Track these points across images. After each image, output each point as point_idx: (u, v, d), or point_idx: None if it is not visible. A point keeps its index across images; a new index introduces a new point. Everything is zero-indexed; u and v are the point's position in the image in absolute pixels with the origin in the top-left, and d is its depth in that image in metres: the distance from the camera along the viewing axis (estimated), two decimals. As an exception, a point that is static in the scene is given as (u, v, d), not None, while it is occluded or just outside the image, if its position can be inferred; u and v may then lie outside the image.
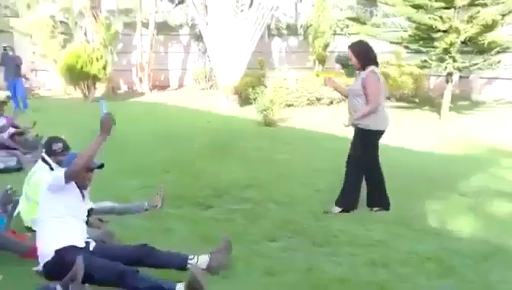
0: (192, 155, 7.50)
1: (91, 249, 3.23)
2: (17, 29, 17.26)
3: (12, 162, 6.62)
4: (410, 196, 5.43)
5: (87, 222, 3.48)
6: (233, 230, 4.09)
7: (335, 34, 17.25)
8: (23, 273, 3.24)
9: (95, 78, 15.32)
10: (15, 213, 4.07)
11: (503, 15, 11.63)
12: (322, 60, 16.92)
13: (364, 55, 4.77)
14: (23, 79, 13.63)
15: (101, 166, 3.40)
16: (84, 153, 3.12)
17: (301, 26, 18.58)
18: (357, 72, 4.90)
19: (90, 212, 3.59)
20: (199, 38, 17.29)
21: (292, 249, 3.96)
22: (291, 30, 19.12)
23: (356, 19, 15.49)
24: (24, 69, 14.41)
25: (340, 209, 4.92)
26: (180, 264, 3.26)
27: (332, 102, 13.97)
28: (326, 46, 16.71)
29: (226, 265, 3.40)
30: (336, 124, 9.79)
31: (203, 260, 3.29)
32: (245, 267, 3.53)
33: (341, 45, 17.11)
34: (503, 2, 11.73)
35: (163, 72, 19.46)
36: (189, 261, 3.26)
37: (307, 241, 4.14)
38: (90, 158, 3.13)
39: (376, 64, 4.81)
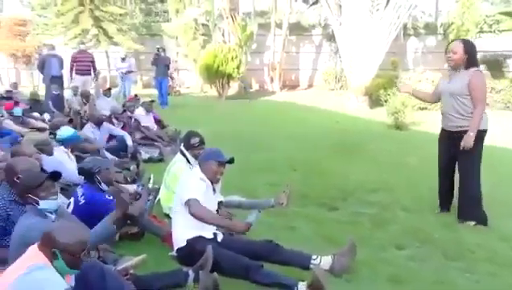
0: (319, 154, 7.47)
1: (219, 240, 3.40)
2: (165, 32, 18.97)
3: (155, 153, 7.27)
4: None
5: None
6: (358, 234, 3.97)
7: (481, 32, 15.80)
8: (163, 255, 3.54)
9: (229, 77, 16.13)
10: (156, 200, 4.46)
11: None
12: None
13: (473, 55, 4.40)
14: (169, 78, 14.93)
15: (231, 160, 3.54)
16: (210, 216, 3.30)
17: (441, 25, 17.40)
18: (455, 70, 4.43)
19: (219, 205, 3.76)
20: (331, 38, 17.18)
21: (421, 259, 3.74)
22: (430, 29, 18.01)
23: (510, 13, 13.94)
24: (171, 69, 15.75)
25: (474, 222, 4.49)
26: (303, 263, 3.27)
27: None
28: (470, 45, 15.39)
29: (350, 268, 3.33)
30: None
31: (326, 261, 3.26)
32: (369, 273, 3.41)
33: (487, 44, 15.65)
34: None
35: (294, 71, 19.73)
36: (312, 261, 3.26)
37: (437, 252, 3.86)
38: (209, 220, 3.30)
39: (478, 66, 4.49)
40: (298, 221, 4.50)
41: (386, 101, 11.34)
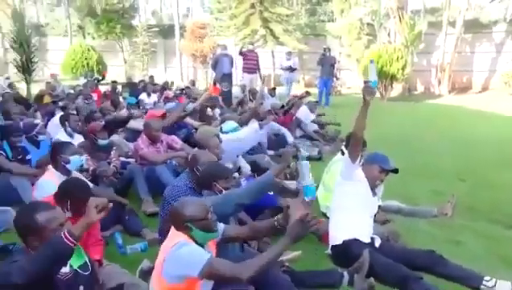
0: (489, 166, 6.71)
1: (376, 245, 3.27)
2: (329, 32, 19.07)
3: (314, 152, 7.34)
4: None
5: (374, 218, 3.54)
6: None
7: None
8: (318, 254, 3.58)
9: (393, 78, 15.51)
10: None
11: None
12: None
13: None
14: (334, 78, 14.97)
15: (396, 170, 3.38)
16: (354, 124, 3.19)
17: None
18: None
19: (378, 208, 3.63)
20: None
21: None
22: None
23: None
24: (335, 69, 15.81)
25: None
26: (472, 282, 2.94)
27: None
28: None
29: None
30: None
31: (503, 286, 2.88)
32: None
33: None
34: None
35: (466, 73, 18.07)
36: (485, 282, 2.91)
37: None
38: (360, 128, 3.17)
39: None
40: (465, 235, 4.12)
41: None
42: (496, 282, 2.89)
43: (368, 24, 18.06)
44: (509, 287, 2.88)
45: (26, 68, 12.66)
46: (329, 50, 14.55)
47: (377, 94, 15.90)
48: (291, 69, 14.41)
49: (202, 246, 2.48)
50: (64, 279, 2.24)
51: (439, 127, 10.28)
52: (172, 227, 2.53)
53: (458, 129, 10.11)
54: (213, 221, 2.51)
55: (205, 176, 3.33)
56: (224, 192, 3.15)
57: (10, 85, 12.14)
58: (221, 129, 5.65)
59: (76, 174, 3.75)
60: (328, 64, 13.99)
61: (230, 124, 5.74)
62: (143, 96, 10.76)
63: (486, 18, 17.75)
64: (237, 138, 5.34)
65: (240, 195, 2.96)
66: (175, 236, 2.47)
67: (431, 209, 4.08)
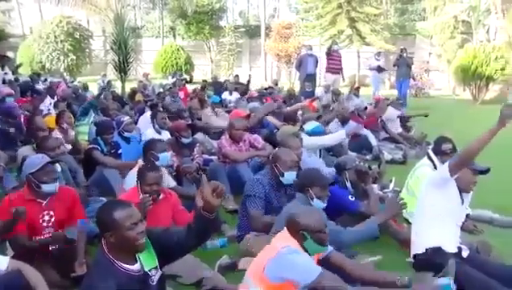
0: None
1: (464, 256, 3.07)
2: (419, 31, 18.25)
3: (398, 155, 7.07)
4: None
5: (461, 228, 3.33)
6: None
7: None
8: (399, 260, 3.46)
9: (489, 79, 14.45)
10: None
11: None
12: None
13: None
14: (411, 79, 14.26)
15: (487, 170, 3.16)
16: (475, 142, 2.89)
17: None
18: None
19: (466, 217, 3.42)
20: None
21: None
22: None
23: None
24: (414, 70, 15.07)
25: None
26: None
27: None
28: None
29: None
30: None
31: None
32: None
33: None
34: None
35: None
36: None
37: None
38: (479, 149, 2.88)
39: None
40: None
41: None
42: None
43: (463, 22, 17.02)
44: None
45: (122, 68, 13.54)
46: (406, 51, 13.74)
47: (469, 96, 14.94)
48: (380, 69, 14.01)
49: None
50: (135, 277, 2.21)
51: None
52: (285, 229, 2.60)
53: None
54: (327, 235, 2.58)
55: (303, 178, 3.39)
56: (315, 200, 3.23)
57: (109, 83, 13.06)
58: (303, 129, 5.66)
59: (162, 170, 3.95)
60: (404, 65, 13.31)
61: (312, 124, 5.73)
62: (225, 94, 11.06)
63: None
64: (322, 143, 5.40)
65: (347, 237, 3.10)
66: (285, 239, 2.56)
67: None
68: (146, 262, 2.24)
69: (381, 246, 3.71)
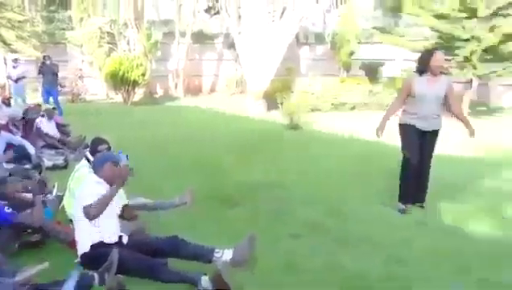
0: (221, 155, 7.48)
1: (124, 242, 3.27)
2: (70, 40, 17.85)
3: (59, 160, 6.81)
4: (429, 197, 5.26)
5: (121, 217, 3.52)
6: (257, 227, 4.06)
7: (360, 43, 17.15)
8: (67, 262, 3.32)
9: (135, 83, 15.64)
10: (60, 206, 4.18)
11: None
12: (347, 67, 17.36)
13: None
14: (59, 86, 13.24)
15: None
16: (101, 201, 3.09)
17: (328, 35, 18.54)
18: (434, 76, 4.65)
19: (124, 207, 3.61)
20: (232, 46, 17.39)
21: (313, 246, 3.94)
22: (319, 39, 19.19)
23: (381, 29, 15.27)
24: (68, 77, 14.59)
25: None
26: (207, 257, 3.25)
27: (354, 107, 14.31)
28: (351, 54, 17.00)
29: (250, 259, 3.36)
30: (359, 128, 9.74)
31: (227, 254, 3.26)
32: (268, 262, 3.52)
33: (366, 53, 17.20)
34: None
35: (197, 78, 19.65)
36: (215, 254, 3.25)
37: (328, 239, 4.10)
38: (106, 205, 3.10)
39: None
40: (201, 219, 4.46)
41: (281, 104, 11.80)
42: (223, 252, 3.26)
43: (108, 33, 17.66)
44: (231, 253, 3.25)
45: None
46: (49, 58, 12.61)
47: (121, 99, 15.79)
48: (17, 79, 12.63)
49: None
50: None
51: (179, 126, 10.93)
52: None
53: (194, 126, 10.93)
54: None
55: None
56: None
57: None
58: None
59: None
60: (49, 73, 12.32)
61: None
62: None
63: (209, 31, 19.63)
64: None
65: None
66: None
67: (173, 201, 4.32)
68: None
69: (46, 251, 3.52)
